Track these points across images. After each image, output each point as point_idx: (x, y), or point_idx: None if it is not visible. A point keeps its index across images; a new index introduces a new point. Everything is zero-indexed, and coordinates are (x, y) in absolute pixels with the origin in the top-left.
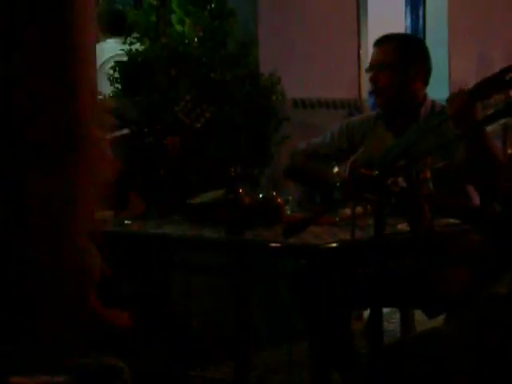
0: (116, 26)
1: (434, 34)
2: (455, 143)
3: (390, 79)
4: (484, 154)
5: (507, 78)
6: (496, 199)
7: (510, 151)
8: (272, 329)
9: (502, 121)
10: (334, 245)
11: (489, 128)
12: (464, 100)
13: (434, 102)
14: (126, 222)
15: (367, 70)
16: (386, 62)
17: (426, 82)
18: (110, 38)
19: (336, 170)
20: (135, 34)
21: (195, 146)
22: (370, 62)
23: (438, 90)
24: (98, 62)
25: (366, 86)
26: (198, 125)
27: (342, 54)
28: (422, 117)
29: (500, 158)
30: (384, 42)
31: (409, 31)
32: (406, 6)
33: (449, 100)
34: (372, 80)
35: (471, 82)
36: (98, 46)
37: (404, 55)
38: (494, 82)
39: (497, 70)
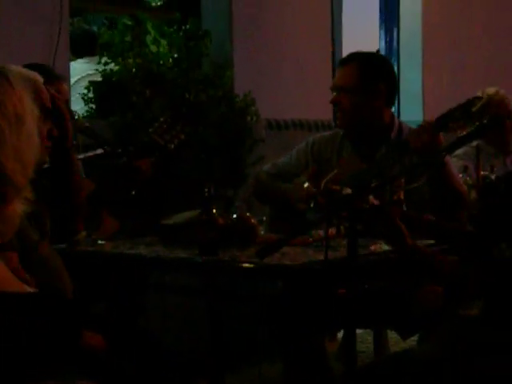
0: (88, 47)
1: (407, 55)
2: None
3: (350, 101)
4: (445, 188)
5: (474, 109)
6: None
7: (482, 173)
8: (246, 350)
9: (475, 143)
10: (308, 266)
11: (461, 150)
12: (429, 135)
13: (401, 125)
14: (99, 242)
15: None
16: (347, 84)
17: (389, 102)
18: (81, 58)
19: (306, 185)
20: (105, 54)
21: (169, 166)
22: (333, 83)
23: (411, 110)
24: (70, 82)
25: None
26: (172, 146)
27: (316, 76)
28: (393, 140)
29: (462, 189)
30: (346, 62)
31: (383, 52)
32: (380, 27)
33: (415, 133)
34: (333, 102)
35: (444, 102)
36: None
37: (365, 77)
38: (459, 114)
39: (470, 92)
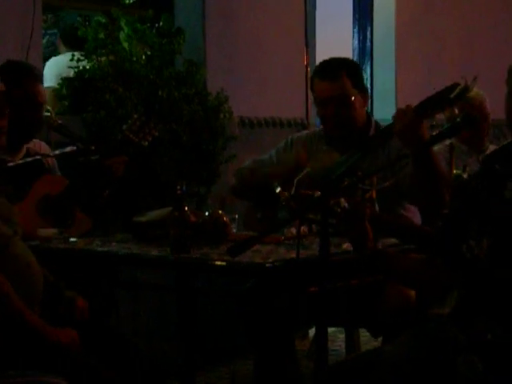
0: (74, 40)
1: (381, 55)
2: (401, 162)
3: (348, 112)
4: (431, 173)
5: (451, 96)
6: (438, 218)
7: (455, 171)
8: (217, 348)
9: (448, 141)
10: (280, 264)
11: (435, 148)
12: (410, 117)
13: (377, 124)
14: (71, 239)
15: (320, 105)
16: (346, 94)
17: (367, 104)
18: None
19: (278, 190)
20: (82, 52)
21: (142, 163)
22: (323, 97)
23: (384, 109)
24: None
25: (313, 106)
26: (146, 143)
27: (289, 74)
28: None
29: (446, 176)
30: (335, 74)
31: (356, 52)
32: (353, 26)
33: (395, 117)
34: (329, 114)
35: (418, 101)
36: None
37: (356, 83)
38: (438, 100)
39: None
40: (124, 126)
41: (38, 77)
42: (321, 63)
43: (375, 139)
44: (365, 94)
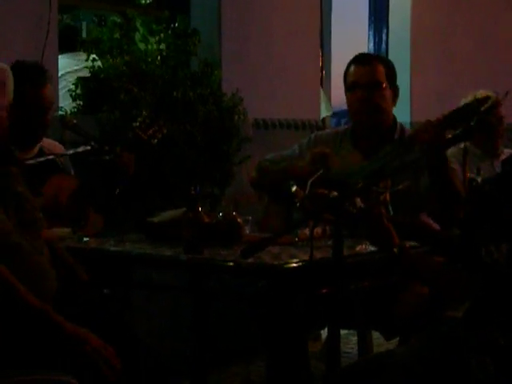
0: (69, 41)
1: (396, 57)
2: (420, 169)
3: (381, 98)
4: (446, 183)
5: (482, 108)
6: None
7: (469, 175)
8: (231, 348)
9: (462, 145)
10: (293, 265)
11: (449, 151)
12: (437, 130)
13: (402, 126)
14: (84, 239)
15: (352, 89)
16: (379, 80)
17: (394, 104)
18: (62, 53)
19: (294, 188)
20: (92, 51)
21: (156, 163)
22: (356, 81)
23: (399, 111)
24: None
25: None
26: (155, 141)
27: (304, 76)
28: (397, 140)
29: (461, 193)
30: (370, 62)
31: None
32: (369, 29)
33: (422, 127)
34: (360, 98)
35: (432, 105)
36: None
37: (389, 76)
38: (468, 112)
39: (458, 94)
40: (134, 124)
41: (47, 77)
42: (357, 55)
43: (398, 148)
44: (396, 91)
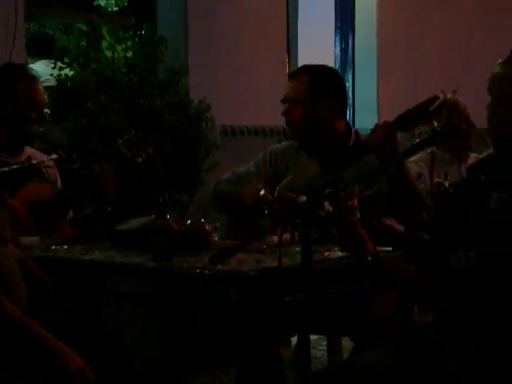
0: (45, 48)
1: (363, 64)
2: (378, 173)
3: (300, 115)
4: (404, 188)
5: (431, 108)
6: (420, 228)
7: (436, 179)
8: (200, 356)
9: (429, 149)
10: (261, 272)
11: (416, 156)
12: (387, 132)
13: (357, 132)
14: (53, 247)
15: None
16: (297, 98)
17: (341, 114)
18: (38, 60)
19: (262, 192)
20: (65, 60)
21: (126, 172)
22: (284, 96)
23: (366, 118)
24: None
25: None
26: (140, 159)
27: (271, 83)
28: (351, 146)
29: (421, 194)
30: (296, 76)
31: (338, 60)
32: (335, 34)
33: (373, 131)
34: (284, 114)
35: (399, 110)
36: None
37: (314, 91)
38: (418, 113)
39: (425, 98)
40: (120, 140)
41: (35, 77)
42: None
43: (353, 153)
44: (339, 101)
